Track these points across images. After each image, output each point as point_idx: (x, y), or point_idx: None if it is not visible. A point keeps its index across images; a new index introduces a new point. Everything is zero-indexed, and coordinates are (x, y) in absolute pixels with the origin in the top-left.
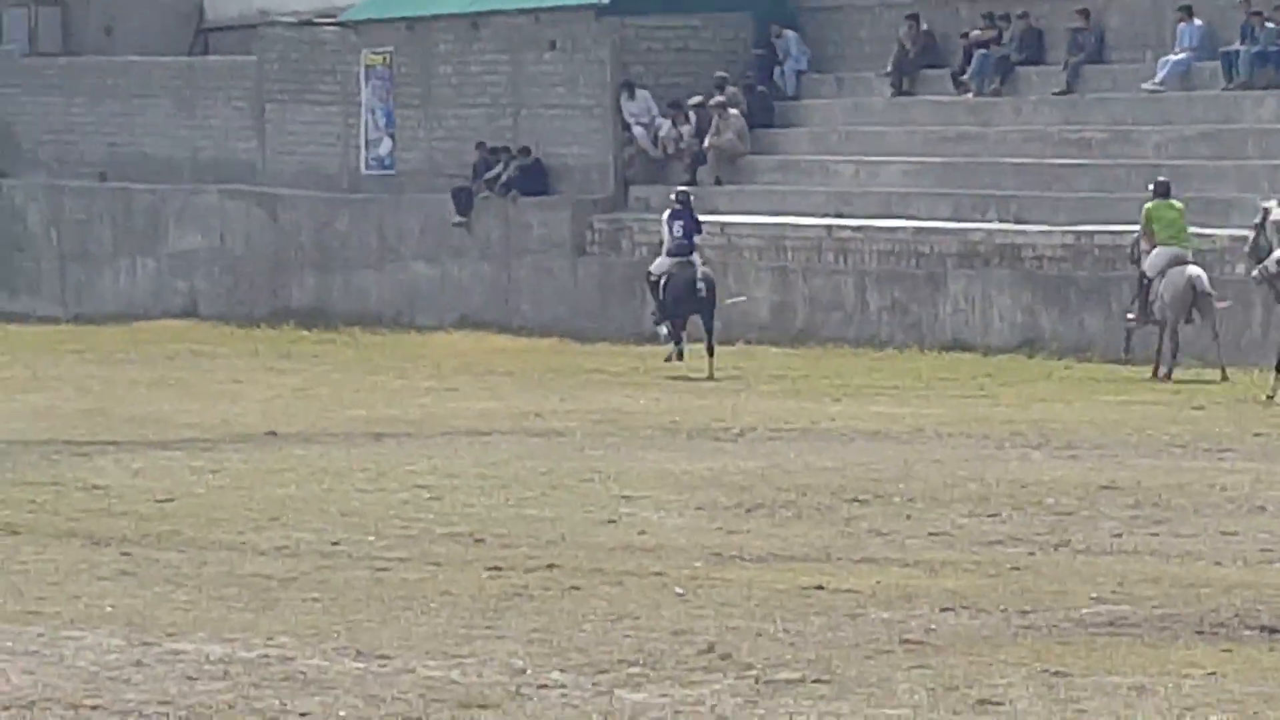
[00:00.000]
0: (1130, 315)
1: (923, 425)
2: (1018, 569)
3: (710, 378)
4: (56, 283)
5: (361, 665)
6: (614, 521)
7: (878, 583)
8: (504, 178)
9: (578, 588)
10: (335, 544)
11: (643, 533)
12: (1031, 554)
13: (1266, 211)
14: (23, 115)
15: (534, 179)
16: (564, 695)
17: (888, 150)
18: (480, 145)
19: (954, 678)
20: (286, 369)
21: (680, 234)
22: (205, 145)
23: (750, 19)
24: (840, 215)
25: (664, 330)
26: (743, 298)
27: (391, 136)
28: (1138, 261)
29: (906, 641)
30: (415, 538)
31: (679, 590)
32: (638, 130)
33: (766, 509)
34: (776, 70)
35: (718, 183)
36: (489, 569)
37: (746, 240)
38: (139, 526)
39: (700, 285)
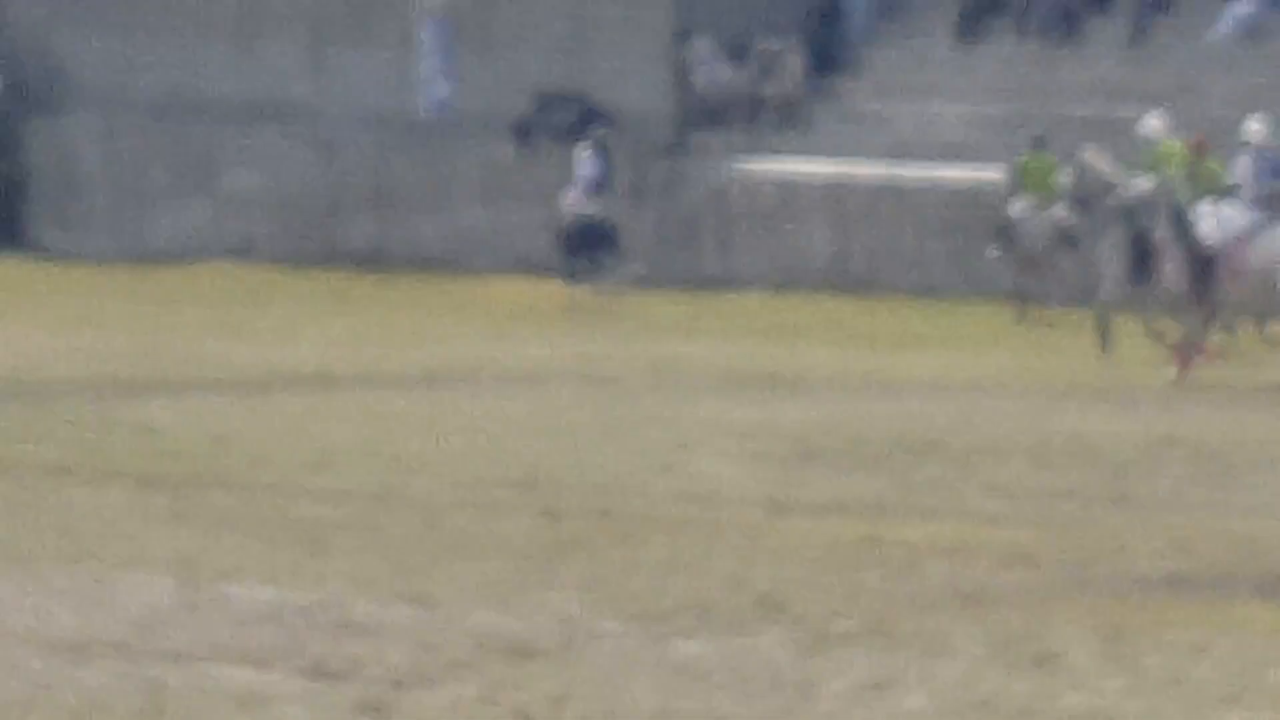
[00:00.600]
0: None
1: (981, 376)
2: (1076, 523)
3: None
4: (110, 222)
5: (413, 611)
6: (669, 469)
7: (935, 535)
8: (562, 122)
9: (631, 535)
10: (388, 489)
11: (698, 480)
12: (1090, 508)
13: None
14: (78, 53)
15: (592, 124)
16: (617, 644)
17: (950, 99)
18: (540, 92)
19: (1011, 632)
20: (341, 312)
21: (596, 172)
22: (261, 85)
23: None
24: (901, 163)
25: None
26: (639, 268)
27: (450, 79)
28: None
29: (963, 595)
30: (468, 483)
31: (734, 539)
32: (697, 76)
33: (823, 459)
34: (840, 16)
35: (778, 129)
36: (543, 515)
37: (806, 188)
38: (190, 468)
39: (606, 222)
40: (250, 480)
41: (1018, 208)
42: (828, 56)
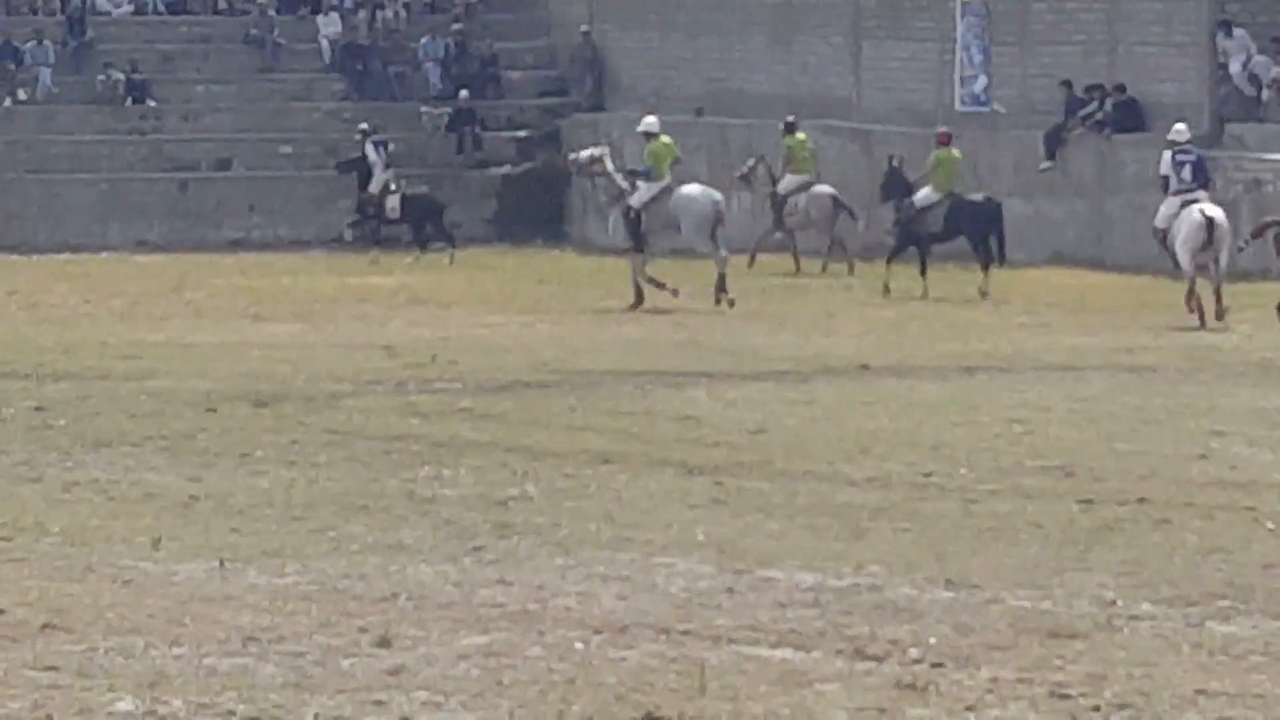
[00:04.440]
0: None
1: None
2: None
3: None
4: None
5: (951, 594)
6: (1205, 456)
7: None
8: (1099, 115)
9: (1168, 521)
10: (926, 475)
11: (1234, 468)
12: None
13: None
14: (620, 50)
15: (1129, 116)
16: (1154, 626)
17: None
18: (1066, 84)
19: None
20: (880, 303)
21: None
22: (801, 81)
23: None
24: None
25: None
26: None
27: (987, 74)
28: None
29: None
30: (1006, 470)
31: (1270, 525)
32: (1234, 68)
33: None
34: None
35: None
36: (1079, 502)
37: None
38: (731, 456)
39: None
40: (790, 468)
41: (783, 185)
42: None
